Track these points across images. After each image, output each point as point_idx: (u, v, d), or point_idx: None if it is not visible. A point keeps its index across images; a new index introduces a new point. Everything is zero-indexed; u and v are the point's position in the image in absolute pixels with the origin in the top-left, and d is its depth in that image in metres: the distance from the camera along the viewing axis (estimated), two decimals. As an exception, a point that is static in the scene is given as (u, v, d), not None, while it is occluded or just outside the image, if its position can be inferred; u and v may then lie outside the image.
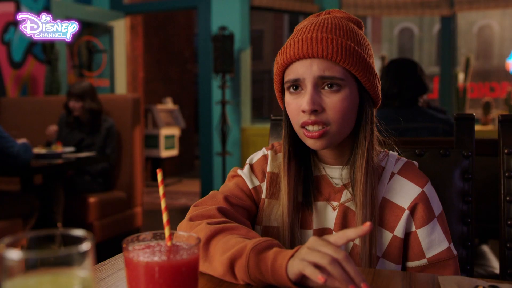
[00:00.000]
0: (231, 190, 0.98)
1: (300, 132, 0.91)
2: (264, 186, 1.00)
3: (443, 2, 5.14)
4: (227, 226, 0.83)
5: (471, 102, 5.30)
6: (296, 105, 0.89)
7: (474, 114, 1.15)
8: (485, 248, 2.14)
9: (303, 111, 0.87)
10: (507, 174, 1.11)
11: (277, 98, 1.02)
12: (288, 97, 0.92)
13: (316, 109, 0.86)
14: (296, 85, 0.90)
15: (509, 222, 1.10)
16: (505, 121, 1.13)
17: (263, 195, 0.99)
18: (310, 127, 0.88)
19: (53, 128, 3.38)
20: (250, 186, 0.99)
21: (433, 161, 1.13)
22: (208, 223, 0.83)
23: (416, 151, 1.15)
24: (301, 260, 0.67)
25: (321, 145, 0.89)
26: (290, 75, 0.90)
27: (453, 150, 1.13)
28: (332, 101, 0.87)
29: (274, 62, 0.97)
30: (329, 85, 0.87)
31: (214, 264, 0.78)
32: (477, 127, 4.41)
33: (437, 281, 0.76)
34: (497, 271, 1.86)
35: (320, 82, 0.87)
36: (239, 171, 1.02)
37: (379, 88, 0.94)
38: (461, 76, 5.03)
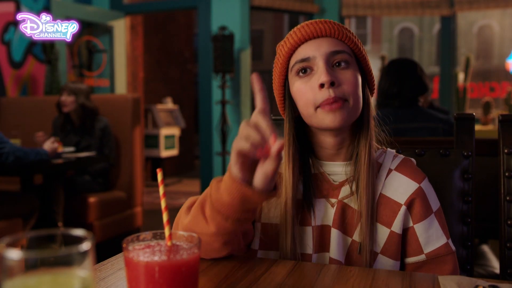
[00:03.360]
0: None
1: (316, 114, 0.89)
2: None
3: (443, 2, 5.14)
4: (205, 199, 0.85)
5: (471, 102, 5.30)
6: (311, 86, 0.88)
7: (474, 114, 1.15)
8: (485, 248, 2.14)
9: (321, 85, 0.86)
10: (507, 174, 1.11)
11: (276, 97, 1.00)
12: (298, 83, 0.91)
13: (333, 81, 0.86)
14: (305, 67, 0.90)
15: (509, 222, 1.10)
16: (505, 121, 1.13)
17: None
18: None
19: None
20: None
21: (433, 161, 1.13)
22: (188, 207, 0.87)
23: (416, 151, 1.15)
24: (237, 139, 0.71)
25: (341, 120, 0.87)
26: (298, 56, 0.91)
27: (453, 150, 1.13)
28: (346, 76, 0.88)
29: (274, 60, 0.97)
30: (337, 63, 0.89)
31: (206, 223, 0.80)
32: (477, 127, 4.41)
33: (437, 281, 0.76)
34: (497, 271, 1.86)
35: (331, 59, 0.89)
36: None
37: (372, 73, 0.98)
38: (461, 76, 5.03)
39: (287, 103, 0.96)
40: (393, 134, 1.02)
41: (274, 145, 0.68)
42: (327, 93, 0.86)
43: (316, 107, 0.88)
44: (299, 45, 0.91)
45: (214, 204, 0.76)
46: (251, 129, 0.69)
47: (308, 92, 0.89)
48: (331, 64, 0.89)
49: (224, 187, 0.74)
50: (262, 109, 0.72)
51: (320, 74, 0.87)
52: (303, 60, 0.89)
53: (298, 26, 0.92)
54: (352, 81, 0.88)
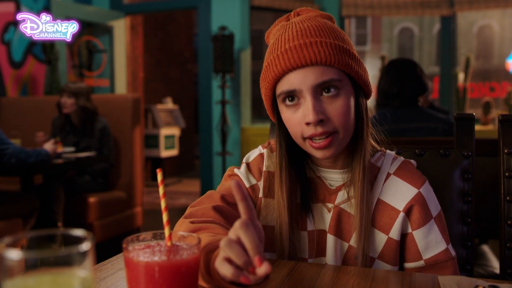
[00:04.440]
0: (228, 189, 0.96)
1: (305, 144, 0.87)
2: (261, 184, 0.98)
3: (443, 2, 5.14)
4: (205, 225, 0.81)
5: (471, 102, 5.30)
6: (297, 119, 0.86)
7: (474, 114, 1.15)
8: (485, 248, 2.14)
9: (308, 123, 0.84)
10: (507, 174, 1.11)
11: (267, 112, 0.98)
12: (285, 112, 0.88)
13: (322, 119, 0.83)
14: (292, 96, 0.86)
15: (509, 222, 1.10)
16: (505, 121, 1.13)
17: (260, 194, 0.98)
18: (317, 138, 0.85)
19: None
20: (247, 185, 0.98)
21: (433, 161, 1.13)
22: (191, 222, 0.83)
23: (416, 151, 1.15)
24: (219, 259, 0.64)
25: (331, 153, 0.86)
26: (283, 86, 0.86)
27: (453, 150, 1.13)
28: (335, 108, 0.84)
29: (260, 77, 0.93)
30: (326, 90, 0.84)
31: None
32: (477, 127, 4.41)
33: (437, 281, 0.76)
34: (497, 271, 1.86)
35: (319, 89, 0.84)
36: (236, 170, 1.01)
37: (368, 78, 0.92)
38: (461, 76, 5.03)
39: (277, 122, 0.94)
40: (393, 134, 1.02)
41: (261, 268, 0.60)
42: (313, 129, 0.84)
43: (305, 139, 0.87)
44: (283, 75, 0.85)
45: (204, 277, 0.72)
46: (233, 250, 0.61)
47: (296, 125, 0.86)
48: (319, 92, 0.84)
49: (213, 275, 0.69)
50: (244, 222, 0.62)
51: (307, 112, 0.83)
52: (289, 92, 0.85)
53: (283, 46, 0.85)
54: (342, 111, 0.84)
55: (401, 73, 2.23)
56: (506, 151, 1.12)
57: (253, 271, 0.61)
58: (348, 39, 0.89)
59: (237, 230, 0.62)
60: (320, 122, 0.83)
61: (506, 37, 19.32)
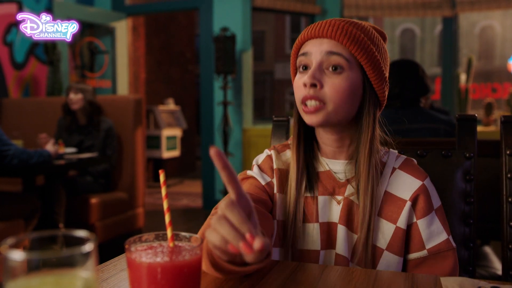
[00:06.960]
0: (247, 189, 0.99)
1: (300, 108, 0.94)
2: (274, 181, 1.02)
3: (445, 2, 5.14)
4: None
5: (473, 103, 5.29)
6: (299, 82, 0.93)
7: (476, 115, 1.15)
8: (487, 249, 2.13)
9: (304, 85, 0.91)
10: (509, 175, 1.11)
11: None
12: (296, 77, 0.97)
13: (315, 84, 0.90)
14: (304, 64, 0.94)
15: (511, 223, 1.10)
16: (507, 122, 1.13)
17: (275, 190, 1.01)
18: (308, 102, 0.91)
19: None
20: (263, 183, 1.01)
21: (435, 162, 1.13)
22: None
23: (418, 152, 1.15)
24: (207, 234, 0.63)
25: (317, 121, 0.91)
26: (301, 51, 0.96)
27: (455, 151, 1.13)
28: (333, 80, 0.90)
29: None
30: (333, 67, 0.90)
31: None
32: (479, 128, 4.41)
33: (439, 282, 0.76)
34: (499, 272, 1.86)
35: (326, 61, 0.91)
36: (249, 172, 1.04)
37: (386, 89, 0.96)
38: (463, 77, 5.02)
39: None
40: (395, 135, 1.02)
41: (255, 243, 0.59)
42: (306, 91, 0.91)
43: (301, 103, 0.93)
44: (302, 44, 0.96)
45: (211, 262, 0.73)
46: (223, 226, 0.60)
47: (297, 88, 0.94)
48: (325, 66, 0.92)
49: (211, 260, 0.70)
50: (229, 202, 0.61)
51: (307, 74, 0.91)
52: (303, 54, 0.95)
53: (312, 24, 0.97)
54: (338, 86, 0.90)
55: (402, 74, 2.22)
56: (508, 152, 1.12)
57: (248, 249, 0.60)
58: (379, 44, 0.94)
59: (224, 209, 0.61)
60: (313, 86, 0.90)
61: (508, 38, 19.29)
